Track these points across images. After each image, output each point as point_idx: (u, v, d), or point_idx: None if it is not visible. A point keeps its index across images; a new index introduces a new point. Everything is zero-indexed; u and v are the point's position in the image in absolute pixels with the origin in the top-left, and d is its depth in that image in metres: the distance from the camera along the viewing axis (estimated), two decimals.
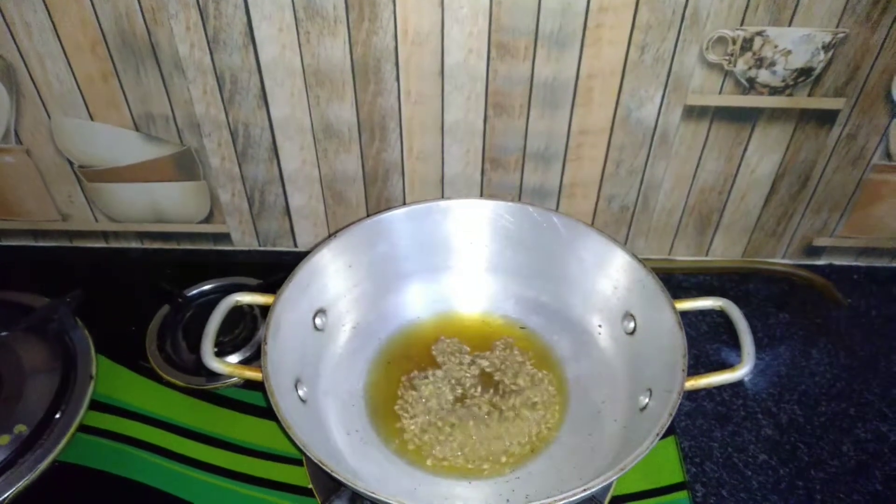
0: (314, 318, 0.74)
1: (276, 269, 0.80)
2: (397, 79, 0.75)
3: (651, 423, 0.61)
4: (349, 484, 0.56)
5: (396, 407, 0.73)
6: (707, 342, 0.83)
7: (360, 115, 0.78)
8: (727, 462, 0.72)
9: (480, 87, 0.76)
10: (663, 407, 0.61)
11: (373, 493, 0.55)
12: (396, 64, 0.74)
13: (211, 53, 0.74)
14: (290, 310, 0.69)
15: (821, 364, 0.81)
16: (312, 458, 0.57)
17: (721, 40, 0.71)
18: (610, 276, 0.75)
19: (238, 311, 0.71)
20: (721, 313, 0.70)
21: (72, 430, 0.72)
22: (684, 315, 0.68)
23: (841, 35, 0.70)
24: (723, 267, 0.91)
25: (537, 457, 0.69)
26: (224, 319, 0.69)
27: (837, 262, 0.92)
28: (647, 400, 0.66)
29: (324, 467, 0.56)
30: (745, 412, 0.76)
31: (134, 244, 0.95)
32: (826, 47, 0.71)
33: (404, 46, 0.73)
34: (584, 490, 0.55)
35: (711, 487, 0.70)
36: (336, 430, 0.70)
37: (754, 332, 0.67)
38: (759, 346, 0.82)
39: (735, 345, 0.80)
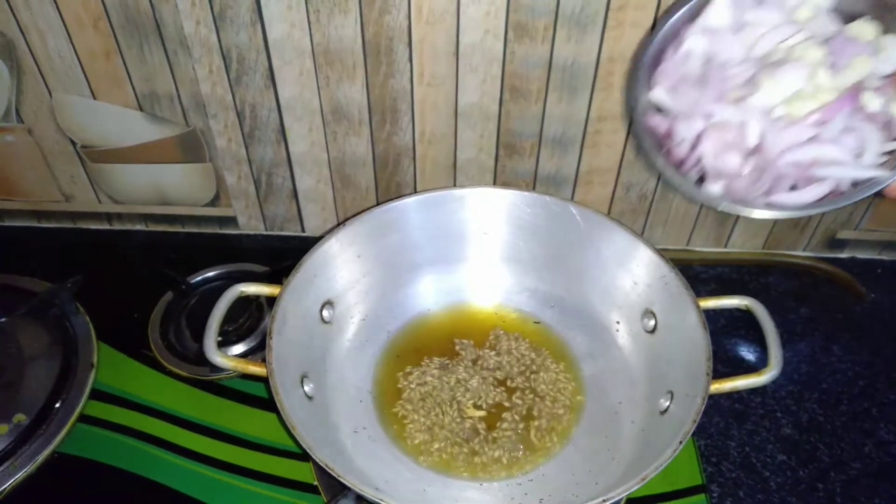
0: (321, 311, 0.71)
1: (282, 255, 0.78)
2: (410, 59, 0.72)
3: (672, 428, 0.58)
4: (355, 488, 0.53)
5: (404, 404, 0.70)
6: (725, 337, 0.79)
7: (370, 96, 0.75)
8: (745, 462, 0.70)
9: (496, 69, 0.72)
10: (686, 412, 0.58)
11: (380, 498, 0.52)
12: (409, 44, 0.71)
13: (217, 31, 0.71)
14: (296, 302, 0.66)
15: (842, 361, 0.78)
16: (318, 460, 0.54)
17: None
18: (630, 271, 0.71)
19: (243, 299, 0.68)
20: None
21: (72, 420, 0.70)
22: (705, 311, 0.64)
23: None
24: (742, 259, 0.88)
25: (551, 459, 0.66)
26: (229, 308, 0.65)
27: (860, 255, 0.88)
28: (667, 403, 0.63)
29: (329, 470, 0.53)
30: (763, 410, 0.74)
31: (138, 226, 0.92)
32: None
33: (418, 26, 0.69)
34: (603, 501, 0.52)
35: (728, 488, 0.68)
36: (343, 428, 0.66)
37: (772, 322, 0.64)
38: None
39: (754, 340, 0.78)
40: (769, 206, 0.52)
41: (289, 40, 0.71)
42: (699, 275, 0.86)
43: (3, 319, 0.76)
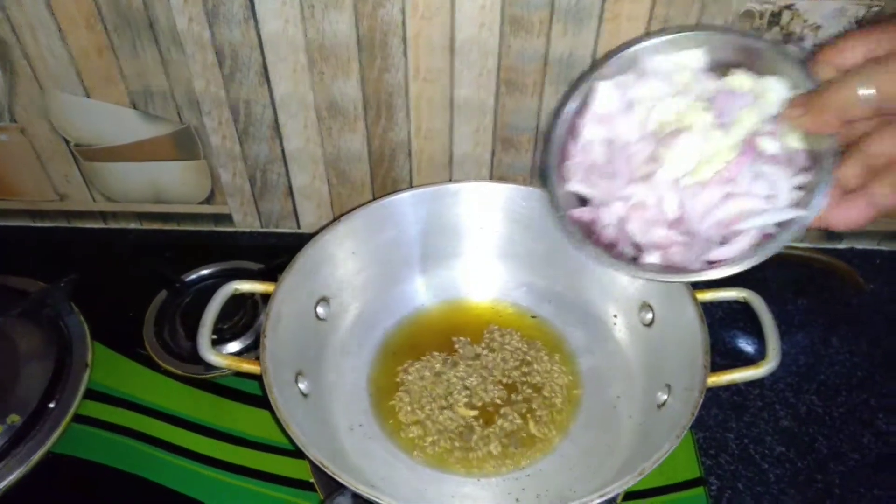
0: (316, 307, 0.70)
1: (278, 252, 0.77)
2: (405, 54, 0.71)
3: (670, 422, 0.57)
4: (350, 486, 0.52)
5: (400, 400, 0.70)
6: (723, 329, 0.79)
7: (365, 92, 0.74)
8: (743, 454, 0.69)
9: (492, 63, 0.72)
10: (684, 406, 0.57)
11: (375, 496, 0.51)
12: (404, 38, 0.70)
13: (210, 27, 0.70)
14: (291, 299, 0.65)
15: (841, 352, 0.77)
16: (312, 458, 0.53)
17: (748, 14, 0.67)
18: None
19: (238, 297, 0.67)
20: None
21: (66, 420, 0.69)
22: (702, 303, 0.64)
23: (875, 8, 0.65)
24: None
25: (549, 453, 0.66)
26: (223, 305, 0.65)
27: (859, 246, 0.88)
28: (665, 397, 0.62)
29: (324, 468, 0.53)
30: (761, 402, 0.73)
31: (133, 225, 0.91)
32: (859, 22, 0.66)
33: (413, 20, 0.69)
34: (601, 496, 0.51)
35: (727, 480, 0.67)
36: (339, 425, 0.66)
37: (770, 314, 0.63)
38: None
39: (752, 333, 0.77)
40: (709, 265, 0.53)
41: (282, 36, 0.70)
42: None
43: None
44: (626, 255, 0.56)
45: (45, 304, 0.77)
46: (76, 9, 0.69)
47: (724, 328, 0.79)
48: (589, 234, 0.57)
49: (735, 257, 0.52)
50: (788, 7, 0.66)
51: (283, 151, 0.81)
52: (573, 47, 0.70)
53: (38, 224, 0.91)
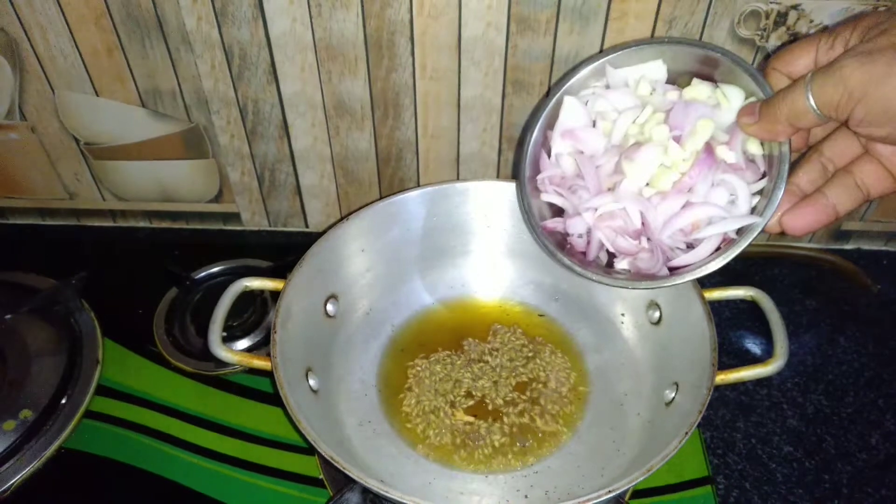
0: (325, 305, 0.70)
1: (286, 251, 0.78)
2: (412, 53, 0.71)
3: (678, 420, 0.57)
4: (361, 481, 0.52)
5: (409, 397, 0.70)
6: (730, 329, 0.79)
7: (373, 91, 0.75)
8: (751, 454, 0.69)
9: (499, 62, 0.72)
10: (692, 403, 0.57)
11: (385, 491, 0.52)
12: (411, 38, 0.70)
13: (219, 27, 0.70)
14: (300, 296, 0.66)
15: (848, 352, 0.77)
16: (323, 453, 0.54)
17: (754, 14, 0.67)
18: None
19: (248, 294, 0.68)
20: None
21: (78, 415, 0.70)
22: (710, 303, 0.64)
23: (882, 9, 0.65)
24: (748, 251, 0.84)
25: (557, 451, 0.66)
26: (233, 303, 0.65)
27: (866, 246, 0.88)
28: (673, 394, 0.62)
29: (335, 463, 0.53)
30: (769, 402, 0.73)
31: (142, 223, 0.92)
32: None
33: (420, 19, 0.69)
34: (610, 492, 0.51)
35: (734, 480, 0.67)
36: (348, 422, 0.66)
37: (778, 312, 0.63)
38: None
39: (760, 332, 0.78)
40: (675, 272, 0.56)
41: (290, 35, 0.70)
42: None
43: (8, 316, 0.76)
44: (599, 262, 0.59)
45: (56, 301, 0.77)
46: (86, 8, 0.70)
47: (732, 328, 0.79)
48: (562, 244, 0.60)
49: (697, 263, 0.54)
50: (795, 7, 0.66)
51: (291, 150, 0.81)
52: (580, 46, 0.70)
53: (48, 222, 0.92)
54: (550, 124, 0.60)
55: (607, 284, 0.58)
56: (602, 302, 0.74)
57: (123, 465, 0.67)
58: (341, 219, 0.71)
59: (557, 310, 0.76)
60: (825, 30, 0.49)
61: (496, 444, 0.66)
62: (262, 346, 0.76)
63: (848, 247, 0.87)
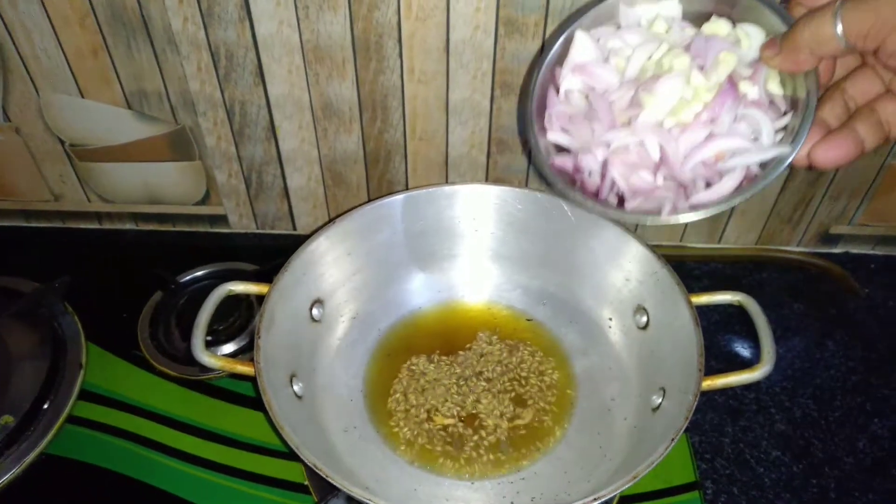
0: (311, 309, 0.69)
1: (274, 254, 0.76)
2: (400, 56, 0.70)
3: (665, 425, 0.57)
4: (344, 489, 0.52)
5: (395, 402, 0.69)
6: (718, 333, 0.78)
7: (360, 93, 0.74)
8: (738, 458, 0.69)
9: (487, 65, 0.71)
10: (678, 408, 0.57)
11: (369, 499, 0.51)
12: (399, 40, 0.69)
13: (205, 28, 0.69)
14: (285, 300, 0.65)
15: (836, 356, 0.77)
16: (306, 460, 0.53)
17: None
18: (622, 267, 0.70)
19: (233, 298, 0.67)
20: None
21: (60, 421, 0.69)
22: (697, 307, 0.63)
23: None
24: (736, 255, 0.87)
25: (543, 456, 0.65)
26: (219, 307, 0.65)
27: (854, 250, 0.87)
28: (659, 400, 0.62)
29: (318, 471, 0.52)
30: (757, 406, 0.73)
31: (128, 226, 0.91)
32: None
33: (408, 22, 0.68)
34: (595, 499, 0.51)
35: (722, 485, 0.67)
36: (333, 427, 0.65)
37: (765, 317, 0.63)
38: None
39: (748, 336, 0.77)
40: (694, 207, 0.52)
41: (277, 37, 0.69)
42: (692, 271, 0.85)
43: None
44: (611, 203, 0.55)
45: (40, 304, 0.76)
46: (70, 8, 0.69)
47: (720, 332, 0.78)
48: (572, 183, 0.56)
49: (717, 199, 0.51)
50: None
51: (278, 153, 0.80)
52: None
53: (33, 224, 0.90)
54: (559, 62, 0.57)
55: (629, 220, 0.54)
56: (589, 306, 0.74)
57: (107, 472, 0.66)
58: (327, 222, 0.70)
59: (545, 314, 0.75)
60: None
61: (482, 449, 0.65)
62: (248, 350, 0.75)
63: (836, 250, 0.87)
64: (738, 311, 0.65)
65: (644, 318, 0.69)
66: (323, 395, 0.67)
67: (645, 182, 0.53)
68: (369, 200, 0.74)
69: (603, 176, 0.55)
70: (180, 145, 0.80)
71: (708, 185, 0.52)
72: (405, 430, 0.67)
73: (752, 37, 0.51)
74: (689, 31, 0.53)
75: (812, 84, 0.48)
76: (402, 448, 0.66)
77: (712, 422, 0.71)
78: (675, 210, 0.52)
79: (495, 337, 0.74)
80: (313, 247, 0.68)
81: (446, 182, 0.81)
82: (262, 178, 0.83)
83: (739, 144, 0.50)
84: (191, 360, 0.71)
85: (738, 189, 0.51)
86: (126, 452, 0.67)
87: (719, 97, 0.50)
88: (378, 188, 0.83)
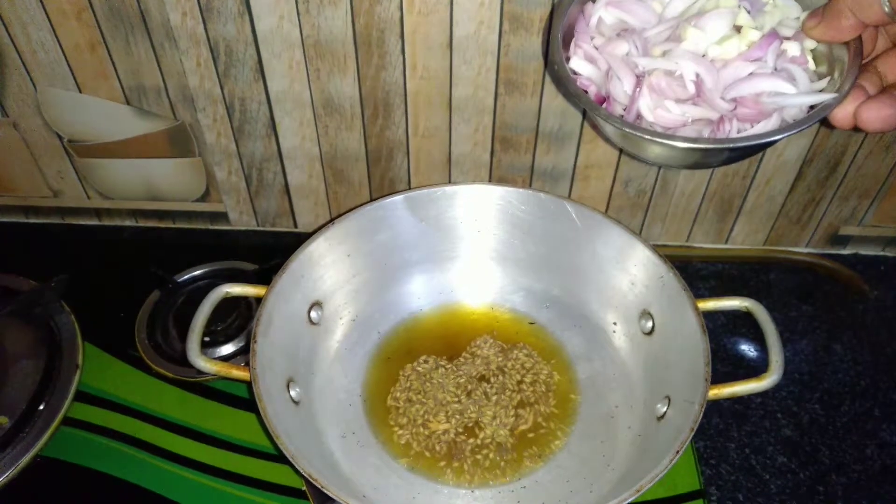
0: (309, 312, 0.67)
1: (274, 252, 0.75)
2: (402, 52, 0.68)
3: (670, 435, 0.55)
4: (339, 500, 0.50)
5: (395, 407, 0.67)
6: (725, 335, 0.76)
7: (362, 89, 0.72)
8: (744, 464, 0.67)
9: (491, 61, 0.69)
10: (684, 419, 0.55)
11: None
12: (402, 36, 0.67)
13: (204, 22, 0.67)
14: (282, 303, 0.63)
15: (844, 360, 0.75)
16: (302, 471, 0.51)
17: None
18: (627, 271, 0.68)
19: (232, 298, 0.65)
20: None
21: (55, 422, 0.67)
22: (704, 313, 0.61)
23: None
24: (743, 256, 0.84)
25: (545, 464, 0.63)
26: (218, 306, 0.63)
27: (863, 251, 0.85)
28: (664, 408, 0.60)
29: (314, 482, 0.50)
30: (763, 411, 0.71)
31: (128, 222, 0.89)
32: None
33: (410, 17, 0.66)
34: None
35: (727, 491, 0.65)
36: (331, 433, 0.64)
37: (774, 324, 0.61)
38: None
39: (755, 339, 0.75)
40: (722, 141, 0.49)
41: (278, 32, 0.68)
42: (699, 271, 0.83)
43: None
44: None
45: (36, 303, 0.75)
46: (67, 3, 0.67)
47: (727, 335, 0.77)
48: (598, 101, 0.53)
49: (757, 134, 0.48)
50: None
51: (279, 149, 0.78)
52: None
53: (32, 220, 0.89)
54: None
55: (667, 143, 0.49)
56: (594, 310, 0.71)
57: (103, 475, 0.65)
58: (326, 223, 0.68)
59: (548, 317, 0.73)
60: None
61: (482, 456, 0.64)
62: (247, 352, 0.71)
63: (845, 252, 0.85)
64: (745, 313, 0.63)
65: (649, 324, 0.66)
66: (321, 400, 0.65)
67: (675, 117, 0.50)
68: (370, 200, 0.72)
69: (631, 103, 0.51)
70: (180, 142, 0.78)
71: (740, 130, 0.49)
72: (405, 436, 0.65)
73: (791, 10, 0.50)
74: None
75: (855, 45, 0.46)
76: (402, 454, 0.64)
77: (717, 426, 0.69)
78: (715, 133, 0.49)
79: (497, 341, 0.72)
80: (312, 248, 0.66)
81: (449, 180, 0.79)
82: (262, 175, 0.81)
83: (782, 86, 0.48)
84: (188, 362, 0.69)
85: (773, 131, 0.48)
86: (123, 455, 0.66)
87: (765, 39, 0.48)
88: (380, 186, 0.81)
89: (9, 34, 0.69)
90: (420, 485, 0.62)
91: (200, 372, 0.69)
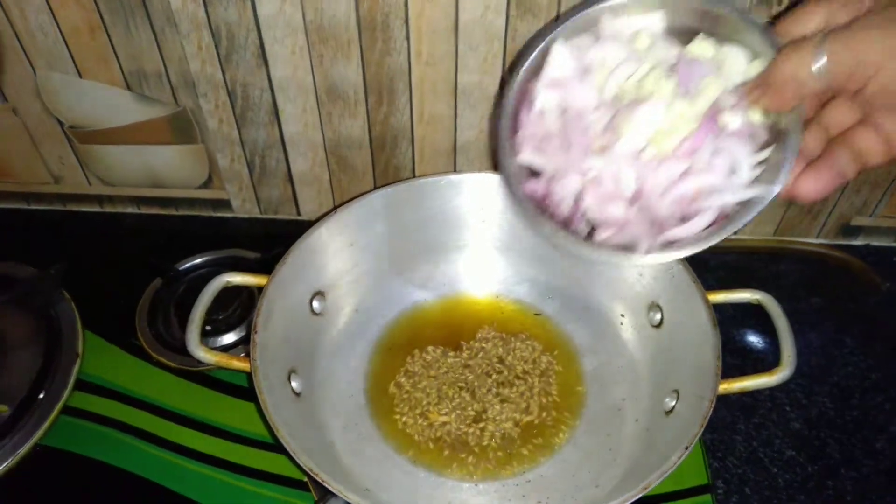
0: (311, 302, 0.66)
1: (277, 241, 0.73)
2: (407, 37, 0.67)
3: (678, 431, 0.54)
4: (340, 494, 0.49)
5: (397, 398, 0.66)
6: (734, 326, 0.74)
7: (366, 75, 0.70)
8: (751, 457, 0.66)
9: (498, 47, 0.67)
10: (693, 414, 0.53)
11: None
12: (406, 20, 0.65)
13: (205, 6, 0.66)
14: (284, 293, 0.61)
15: (855, 353, 0.73)
16: (302, 465, 0.50)
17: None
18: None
19: (234, 286, 0.64)
20: None
21: (55, 411, 0.66)
22: (714, 305, 0.59)
23: None
24: (752, 246, 0.83)
25: (550, 458, 0.62)
26: (219, 295, 0.62)
27: (875, 243, 0.83)
28: (673, 402, 0.58)
29: (314, 475, 0.49)
30: (771, 403, 0.69)
31: (129, 209, 0.87)
32: None
33: (415, 1, 0.64)
34: None
35: (734, 485, 0.64)
36: (332, 425, 0.62)
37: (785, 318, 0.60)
38: None
39: (765, 331, 0.73)
40: (666, 245, 0.49)
41: (280, 16, 0.66)
42: (707, 262, 0.80)
43: None
44: (581, 232, 0.52)
45: (36, 291, 0.73)
46: None
47: (735, 326, 0.74)
48: (542, 209, 0.53)
49: (692, 238, 0.48)
50: None
51: (281, 136, 0.76)
52: None
53: (34, 207, 0.88)
54: (535, 75, 0.53)
55: (593, 257, 0.51)
56: (601, 301, 0.70)
57: (102, 465, 0.64)
58: (329, 211, 0.67)
59: (554, 308, 0.72)
60: None
61: (486, 448, 0.62)
62: (248, 342, 0.70)
63: (856, 243, 0.83)
64: (753, 305, 0.62)
65: (658, 316, 0.65)
66: (322, 391, 0.64)
67: (618, 214, 0.50)
68: (373, 188, 0.70)
69: (576, 204, 0.51)
70: (181, 128, 0.77)
71: (682, 219, 0.49)
72: (407, 428, 0.64)
73: (736, 60, 0.47)
74: (673, 49, 0.49)
75: (795, 123, 0.45)
76: (404, 447, 0.63)
77: (725, 419, 0.68)
78: (649, 250, 0.49)
79: (502, 332, 0.70)
80: (314, 237, 0.65)
81: (454, 168, 0.77)
82: (265, 162, 0.79)
83: (717, 182, 0.47)
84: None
85: (714, 227, 0.48)
86: (123, 445, 0.65)
87: (700, 129, 0.47)
88: (384, 174, 0.79)
89: (7, 17, 0.68)
90: (422, 478, 0.60)
91: (201, 361, 0.68)
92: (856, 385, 0.70)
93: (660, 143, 0.48)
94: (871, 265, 0.80)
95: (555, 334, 0.70)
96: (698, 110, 0.47)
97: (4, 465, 0.62)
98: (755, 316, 0.74)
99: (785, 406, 0.69)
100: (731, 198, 0.47)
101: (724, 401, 0.69)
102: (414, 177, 0.76)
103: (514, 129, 0.54)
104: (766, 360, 0.71)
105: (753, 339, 0.74)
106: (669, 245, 0.49)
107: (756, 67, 0.46)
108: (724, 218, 0.48)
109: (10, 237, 0.84)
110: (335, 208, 0.67)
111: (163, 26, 0.68)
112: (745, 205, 0.47)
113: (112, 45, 0.70)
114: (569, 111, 0.52)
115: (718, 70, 0.47)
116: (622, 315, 0.69)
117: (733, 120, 0.47)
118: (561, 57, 0.51)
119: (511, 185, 0.53)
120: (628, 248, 0.50)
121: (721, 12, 0.47)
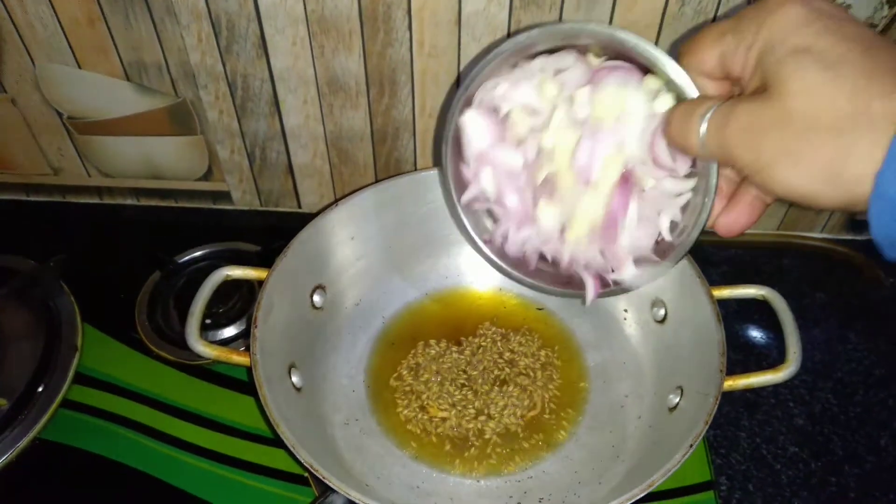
0: (312, 296, 0.65)
1: (277, 234, 0.72)
2: (409, 28, 0.66)
3: (682, 428, 0.53)
4: (340, 490, 0.48)
5: (398, 393, 0.65)
6: (737, 321, 0.74)
7: (368, 67, 0.69)
8: (755, 454, 0.65)
9: (501, 38, 0.66)
10: (697, 411, 0.52)
11: (366, 501, 0.47)
12: (408, 11, 0.64)
13: None
14: (285, 287, 0.61)
15: (858, 349, 0.73)
16: (303, 461, 0.49)
17: None
18: None
19: (234, 280, 0.63)
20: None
21: (54, 405, 0.66)
22: (718, 301, 0.59)
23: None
24: (756, 241, 0.82)
25: (552, 454, 0.61)
26: (219, 288, 0.61)
27: None
28: (677, 399, 0.58)
29: (314, 472, 0.48)
30: (775, 400, 0.69)
31: (129, 201, 0.87)
32: (890, 1, 0.61)
33: None
34: None
35: (737, 481, 0.63)
36: (333, 420, 0.62)
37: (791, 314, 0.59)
38: None
39: (769, 326, 0.73)
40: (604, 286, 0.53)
41: (281, 7, 0.65)
42: (711, 257, 0.80)
43: None
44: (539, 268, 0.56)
45: (35, 283, 0.73)
46: None
47: (739, 321, 0.74)
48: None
49: (625, 283, 0.51)
50: None
51: (282, 128, 0.75)
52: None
53: (33, 198, 0.87)
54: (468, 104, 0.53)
55: (536, 288, 0.56)
56: None
57: (101, 458, 0.63)
58: (331, 203, 0.66)
59: (557, 303, 0.71)
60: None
61: (489, 446, 0.61)
62: (248, 336, 0.70)
63: (861, 237, 0.82)
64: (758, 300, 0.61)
65: (662, 312, 0.64)
66: (323, 386, 0.63)
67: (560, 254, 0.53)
68: (375, 181, 0.69)
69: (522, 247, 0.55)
70: (181, 119, 0.76)
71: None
72: (408, 423, 0.63)
73: (638, 103, 0.46)
74: (582, 93, 0.47)
75: (708, 166, 0.44)
76: (405, 442, 0.62)
77: (728, 415, 0.67)
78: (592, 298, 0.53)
79: (504, 326, 0.69)
80: (315, 230, 0.64)
81: None
82: (265, 154, 0.79)
83: (638, 241, 0.49)
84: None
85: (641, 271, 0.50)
86: (122, 439, 0.64)
87: (614, 202, 0.47)
88: (386, 166, 0.78)
89: (5, 7, 0.67)
90: (423, 473, 0.60)
91: (201, 355, 0.68)
92: (859, 381, 0.70)
93: (575, 227, 0.50)
94: (875, 260, 0.79)
95: (557, 329, 0.70)
96: (605, 193, 0.47)
97: (3, 458, 0.62)
98: (758, 311, 0.74)
99: (788, 402, 0.68)
100: (649, 255, 0.50)
101: (727, 397, 0.67)
102: (416, 169, 0.75)
103: (459, 184, 0.55)
104: (769, 356, 0.71)
105: (756, 335, 0.73)
106: (606, 287, 0.52)
107: (662, 102, 0.45)
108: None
109: (8, 229, 0.83)
110: (336, 201, 0.66)
111: (162, 17, 0.67)
112: (669, 250, 0.49)
113: (111, 36, 0.69)
114: (499, 172, 0.52)
115: (622, 125, 0.46)
116: (625, 310, 0.68)
117: (646, 181, 0.47)
118: (475, 126, 0.51)
119: (467, 234, 0.58)
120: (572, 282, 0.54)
121: (625, 42, 0.44)
